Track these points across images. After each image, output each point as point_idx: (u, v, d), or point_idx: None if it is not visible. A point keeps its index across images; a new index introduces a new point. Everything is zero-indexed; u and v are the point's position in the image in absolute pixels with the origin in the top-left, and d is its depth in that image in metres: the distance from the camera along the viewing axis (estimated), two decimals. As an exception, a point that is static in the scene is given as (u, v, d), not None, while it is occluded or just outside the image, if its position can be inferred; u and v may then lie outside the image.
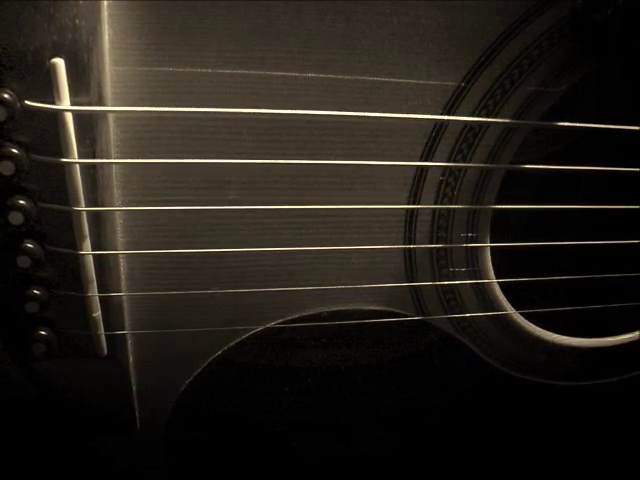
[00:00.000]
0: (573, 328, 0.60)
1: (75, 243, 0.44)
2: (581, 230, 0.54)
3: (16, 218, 0.41)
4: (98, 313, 0.47)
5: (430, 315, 0.55)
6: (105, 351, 0.49)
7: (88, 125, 0.40)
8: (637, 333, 0.61)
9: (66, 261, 0.45)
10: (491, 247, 0.53)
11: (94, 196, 0.43)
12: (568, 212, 0.52)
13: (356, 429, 0.62)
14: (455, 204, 0.50)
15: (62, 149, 0.40)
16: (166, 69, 0.41)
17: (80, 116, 0.40)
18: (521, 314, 0.57)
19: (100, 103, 0.40)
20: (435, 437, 0.65)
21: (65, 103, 0.38)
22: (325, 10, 0.41)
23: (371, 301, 0.53)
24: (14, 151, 0.39)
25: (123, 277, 0.48)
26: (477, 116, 0.47)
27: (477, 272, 0.54)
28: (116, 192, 0.44)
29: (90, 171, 0.42)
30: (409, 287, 0.53)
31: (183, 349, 0.52)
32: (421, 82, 0.45)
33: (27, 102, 0.38)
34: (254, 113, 0.43)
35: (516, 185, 0.54)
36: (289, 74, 0.43)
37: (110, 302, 0.48)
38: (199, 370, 0.54)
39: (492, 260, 0.54)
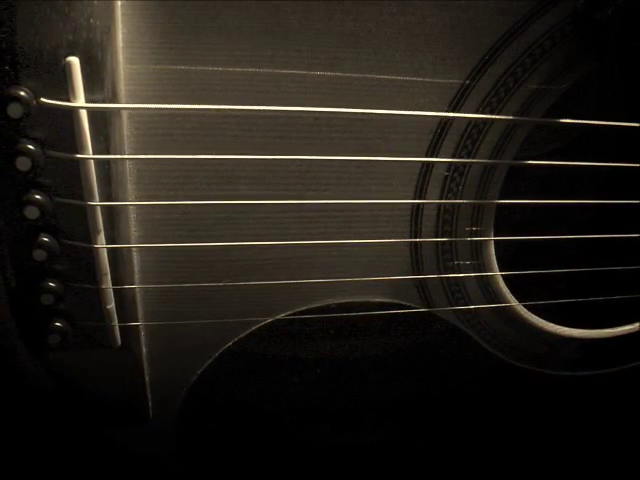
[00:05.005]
0: (575, 319, 0.61)
1: (90, 237, 0.44)
2: (582, 224, 0.54)
3: (32, 212, 0.42)
4: (112, 305, 0.48)
5: (435, 307, 0.56)
6: (119, 342, 0.50)
7: (102, 122, 0.40)
8: (637, 325, 0.62)
9: (81, 254, 0.45)
10: (495, 240, 0.54)
11: (108, 191, 0.43)
12: (569, 207, 0.53)
13: (364, 418, 0.62)
14: (460, 199, 0.51)
15: (77, 145, 0.40)
16: (178, 67, 0.42)
17: (94, 113, 0.40)
18: (524, 306, 0.58)
19: (114, 100, 0.40)
20: (441, 426, 0.65)
21: (80, 100, 0.39)
22: (333, 10, 0.42)
23: (378, 293, 0.54)
24: (30, 147, 0.39)
25: (136, 270, 0.49)
26: (481, 113, 0.47)
27: (481, 265, 0.54)
28: (129, 187, 0.45)
29: (104, 167, 0.42)
30: (415, 280, 0.54)
31: (195, 340, 0.53)
32: (427, 80, 0.45)
33: (43, 99, 0.38)
34: (264, 110, 0.43)
35: (519, 180, 0.55)
36: (298, 72, 0.43)
37: (124, 294, 0.48)
38: (210, 360, 0.54)
39: (496, 253, 0.54)
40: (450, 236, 0.52)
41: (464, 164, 0.50)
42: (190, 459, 0.62)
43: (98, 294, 0.47)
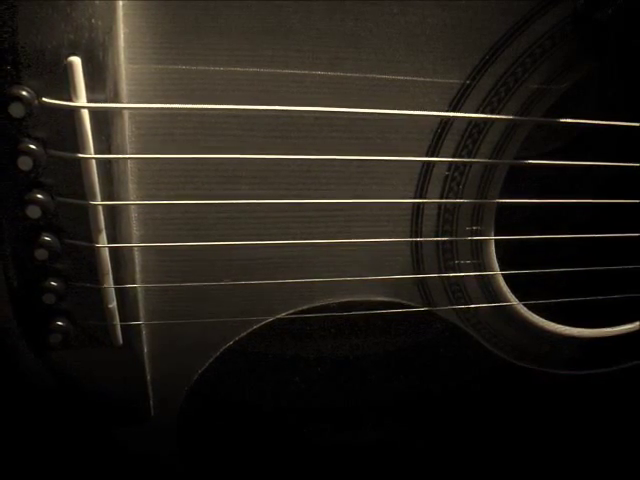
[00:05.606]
0: (575, 319, 0.61)
1: (91, 236, 0.44)
2: (582, 224, 0.54)
3: (34, 212, 0.42)
4: (114, 304, 0.48)
5: (436, 306, 0.56)
6: (120, 341, 0.50)
7: (104, 122, 0.40)
8: (637, 324, 0.62)
9: (82, 254, 0.45)
10: (495, 240, 0.54)
11: (109, 190, 0.43)
12: (569, 207, 0.53)
13: (365, 417, 0.62)
14: (460, 198, 0.51)
15: (79, 145, 0.40)
16: (179, 67, 0.42)
17: (96, 113, 0.40)
18: (524, 305, 0.58)
19: (115, 100, 0.40)
20: (441, 425, 0.65)
21: (81, 100, 0.39)
22: (334, 9, 0.42)
23: (379, 292, 0.54)
24: (32, 147, 0.39)
25: (138, 269, 0.49)
26: (482, 113, 0.47)
27: (481, 264, 0.54)
28: (131, 186, 0.45)
29: (106, 166, 0.42)
30: (416, 279, 0.54)
31: (196, 339, 0.53)
32: (427, 80, 0.45)
33: (45, 99, 0.38)
34: (265, 110, 0.43)
35: (519, 180, 0.55)
36: (299, 72, 0.43)
37: (125, 293, 0.48)
38: (211, 360, 0.54)
39: (496, 253, 0.54)
40: (451, 235, 0.53)
41: (465, 164, 0.50)
42: (191, 458, 0.62)
43: (100, 293, 0.47)
